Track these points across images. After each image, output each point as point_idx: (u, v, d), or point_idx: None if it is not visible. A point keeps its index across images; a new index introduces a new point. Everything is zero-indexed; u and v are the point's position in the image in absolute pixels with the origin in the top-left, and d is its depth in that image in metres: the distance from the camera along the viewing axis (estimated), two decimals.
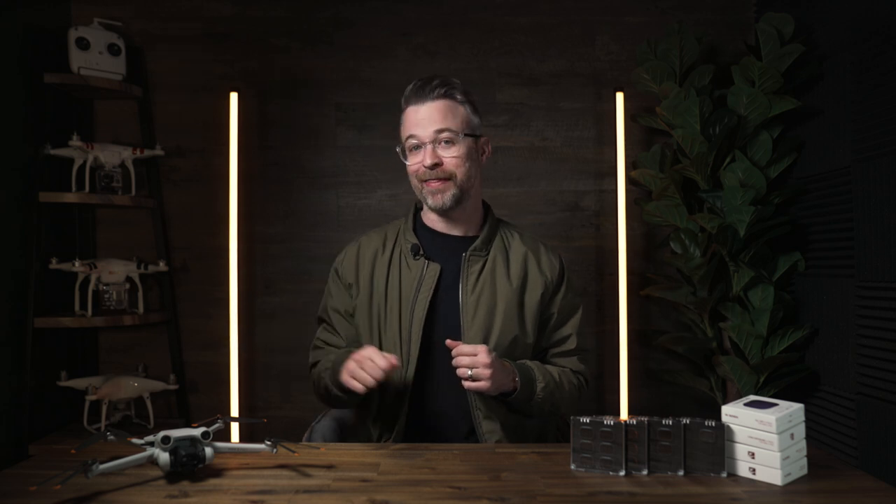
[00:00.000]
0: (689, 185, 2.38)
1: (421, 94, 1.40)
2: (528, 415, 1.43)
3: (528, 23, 2.61)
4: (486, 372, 1.25)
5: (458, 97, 1.42)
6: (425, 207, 1.49)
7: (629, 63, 2.57)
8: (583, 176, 2.62)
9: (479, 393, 1.34)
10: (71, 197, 2.32)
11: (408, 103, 1.42)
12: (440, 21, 2.61)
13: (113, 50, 2.41)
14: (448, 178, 1.39)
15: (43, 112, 2.34)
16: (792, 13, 2.24)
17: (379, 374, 1.23)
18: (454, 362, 1.28)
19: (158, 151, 2.51)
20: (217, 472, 1.08)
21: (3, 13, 2.19)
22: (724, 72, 2.37)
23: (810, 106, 2.23)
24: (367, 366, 1.23)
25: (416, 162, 1.41)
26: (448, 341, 1.29)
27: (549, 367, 1.45)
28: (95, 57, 2.36)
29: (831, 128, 2.12)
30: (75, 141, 2.31)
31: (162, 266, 2.50)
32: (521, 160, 2.61)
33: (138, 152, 2.46)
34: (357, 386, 1.24)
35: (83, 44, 2.34)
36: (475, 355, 1.26)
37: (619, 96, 2.43)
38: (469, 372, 1.26)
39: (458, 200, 1.41)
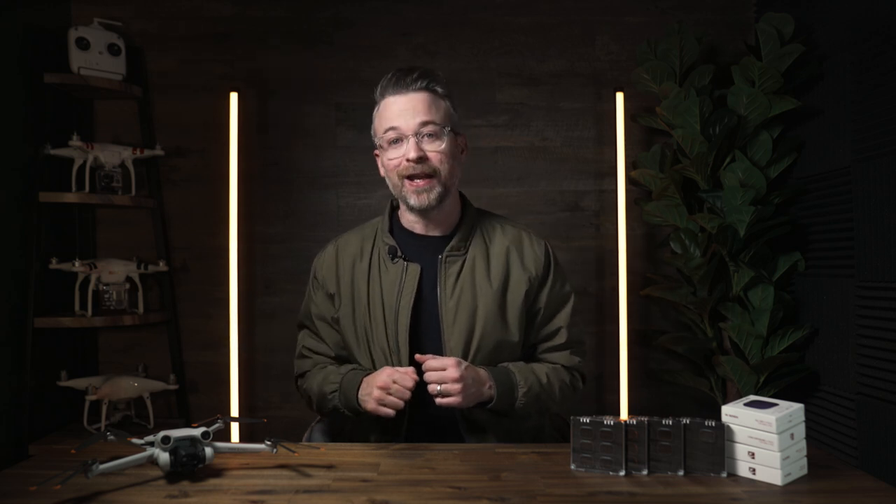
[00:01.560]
0: (689, 185, 2.38)
1: (402, 85, 1.32)
2: (515, 417, 1.39)
3: (528, 23, 2.61)
4: (456, 387, 1.23)
5: (440, 90, 1.35)
6: (402, 208, 1.42)
7: (629, 63, 2.57)
8: (583, 176, 2.62)
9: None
10: (71, 197, 2.31)
11: (385, 94, 1.35)
12: (440, 21, 2.61)
13: (113, 50, 2.41)
14: (432, 174, 1.32)
15: (43, 112, 2.34)
16: (792, 13, 2.24)
17: (407, 395, 1.22)
18: (425, 378, 1.25)
19: (158, 151, 2.51)
20: (217, 472, 1.08)
21: (3, 13, 2.19)
22: (724, 72, 2.37)
23: (810, 106, 2.23)
24: (394, 390, 1.22)
25: (396, 156, 1.33)
26: (417, 356, 1.27)
27: (536, 366, 1.40)
28: (95, 57, 2.36)
29: (831, 128, 2.12)
30: (75, 141, 2.31)
31: (162, 266, 2.50)
32: (521, 160, 2.61)
33: (138, 152, 2.46)
34: (389, 412, 1.23)
35: (83, 44, 2.34)
36: (444, 370, 1.23)
37: (619, 96, 2.44)
38: (438, 388, 1.23)
39: (442, 199, 1.34)
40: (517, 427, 1.40)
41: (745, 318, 2.22)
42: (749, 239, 2.22)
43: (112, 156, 2.41)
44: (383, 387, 1.23)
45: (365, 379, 1.31)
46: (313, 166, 2.61)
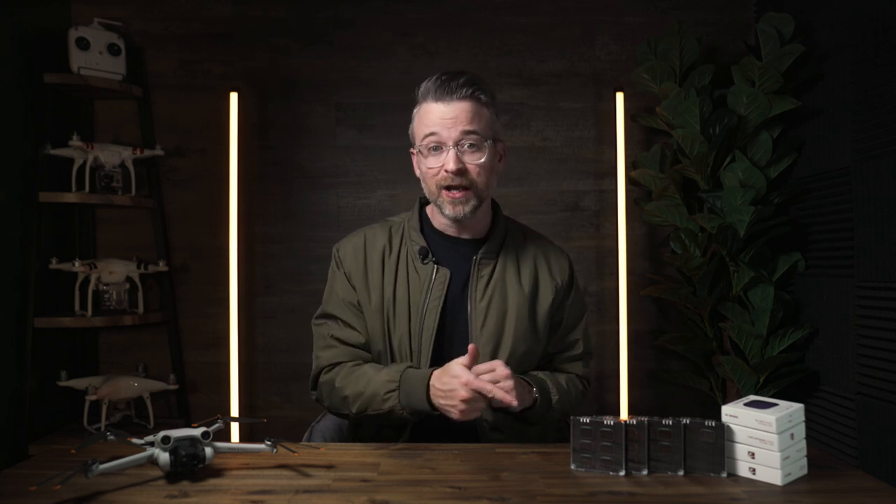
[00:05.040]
0: (689, 185, 2.38)
1: (447, 91, 1.29)
2: (535, 424, 1.39)
3: (528, 23, 2.61)
4: (509, 383, 1.17)
5: (483, 98, 1.32)
6: (434, 210, 1.40)
7: (629, 63, 2.57)
8: (583, 176, 2.62)
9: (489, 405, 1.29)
10: (71, 197, 2.31)
11: (428, 98, 1.31)
12: (440, 21, 2.61)
13: (113, 50, 2.41)
14: (469, 186, 1.30)
15: (43, 112, 2.34)
16: (792, 13, 2.24)
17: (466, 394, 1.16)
18: (484, 385, 1.16)
19: (158, 151, 2.51)
20: (217, 472, 1.08)
21: (3, 13, 2.19)
22: (724, 72, 2.37)
23: (810, 106, 2.23)
24: (460, 396, 1.17)
25: (435, 165, 1.30)
26: (470, 379, 1.18)
27: (556, 375, 1.42)
28: (95, 57, 2.36)
29: (831, 128, 2.12)
30: (75, 141, 2.31)
31: (162, 266, 2.50)
32: (521, 160, 2.61)
33: (138, 152, 2.46)
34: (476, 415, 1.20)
35: (83, 44, 2.34)
36: (493, 370, 1.19)
37: (619, 96, 2.43)
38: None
39: (475, 210, 1.32)
40: (525, 433, 1.40)
41: (745, 318, 2.22)
42: (749, 239, 2.22)
43: (112, 156, 2.41)
44: (467, 399, 1.17)
45: (435, 375, 1.22)
46: (313, 166, 2.61)
